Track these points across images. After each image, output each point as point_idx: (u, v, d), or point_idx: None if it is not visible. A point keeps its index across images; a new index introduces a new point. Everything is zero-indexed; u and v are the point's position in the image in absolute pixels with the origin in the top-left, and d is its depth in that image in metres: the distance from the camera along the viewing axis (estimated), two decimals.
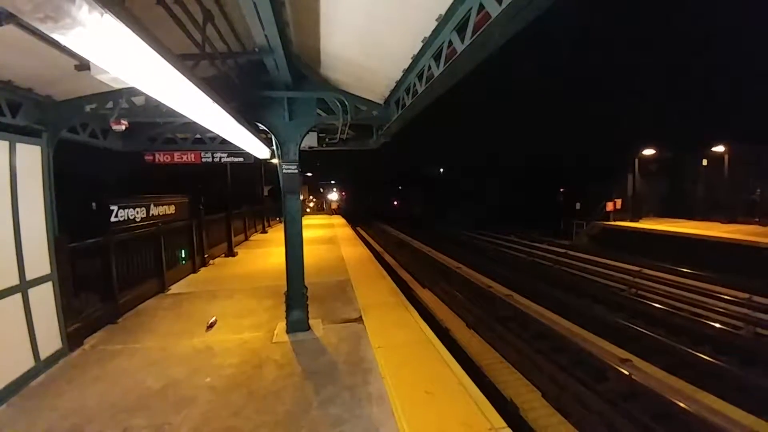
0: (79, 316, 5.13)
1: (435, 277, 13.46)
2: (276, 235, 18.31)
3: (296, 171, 5.40)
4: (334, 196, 57.04)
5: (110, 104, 5.14)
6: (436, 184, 60.30)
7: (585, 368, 6.24)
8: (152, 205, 8.92)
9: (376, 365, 4.38)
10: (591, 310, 9.61)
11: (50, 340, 4.52)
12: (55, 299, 4.61)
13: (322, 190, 62.04)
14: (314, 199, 52.66)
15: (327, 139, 7.52)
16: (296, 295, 5.44)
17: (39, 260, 4.40)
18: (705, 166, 22.01)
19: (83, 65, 3.34)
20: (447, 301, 10.81)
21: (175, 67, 2.51)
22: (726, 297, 9.44)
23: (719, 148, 20.22)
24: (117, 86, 3.36)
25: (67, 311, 4.78)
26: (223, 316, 6.21)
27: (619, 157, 23.28)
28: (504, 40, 2.69)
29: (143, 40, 2.03)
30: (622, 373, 5.72)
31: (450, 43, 3.18)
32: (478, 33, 2.64)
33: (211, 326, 5.76)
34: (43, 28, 1.52)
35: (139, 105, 5.34)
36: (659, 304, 10.17)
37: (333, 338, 5.24)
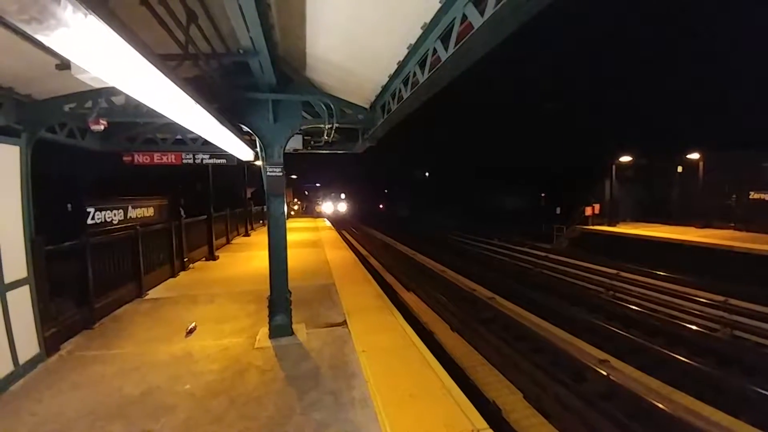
0: (55, 321, 4.98)
1: (419, 281, 13.53)
2: (259, 238, 18.07)
3: (281, 174, 5.36)
4: (320, 203, 56.56)
5: (89, 104, 5.03)
6: (422, 188, 60.75)
7: (564, 369, 6.36)
8: (130, 207, 8.73)
9: (360, 369, 4.38)
10: (570, 311, 9.80)
11: (28, 345, 4.39)
12: (32, 303, 4.47)
13: (307, 192, 61.63)
14: (299, 202, 52.17)
15: (312, 142, 7.50)
16: (279, 299, 5.39)
17: (16, 263, 4.27)
18: (680, 172, 22.73)
19: (64, 64, 3.27)
20: (431, 304, 10.86)
21: (156, 67, 2.48)
22: (702, 300, 9.74)
23: (694, 155, 20.92)
24: (97, 86, 3.29)
25: (44, 316, 4.64)
26: (204, 321, 6.10)
27: (597, 163, 23.90)
28: (487, 50, 2.76)
29: (125, 40, 2.01)
30: (601, 373, 5.86)
31: (434, 51, 3.24)
32: (461, 42, 2.70)
33: (190, 332, 5.65)
34: (28, 28, 1.49)
35: (118, 105, 5.23)
36: (636, 306, 10.44)
37: (317, 343, 5.21)
